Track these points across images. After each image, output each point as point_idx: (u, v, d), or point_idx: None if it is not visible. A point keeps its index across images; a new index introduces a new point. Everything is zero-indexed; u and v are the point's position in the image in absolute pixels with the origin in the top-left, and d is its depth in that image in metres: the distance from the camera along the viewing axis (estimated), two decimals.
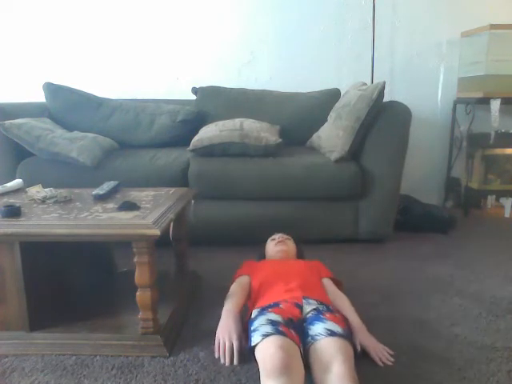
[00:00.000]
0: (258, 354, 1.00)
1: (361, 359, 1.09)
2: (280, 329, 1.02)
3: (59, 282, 1.37)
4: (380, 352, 1.13)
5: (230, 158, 2.03)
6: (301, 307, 1.14)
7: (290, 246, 1.55)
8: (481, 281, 1.66)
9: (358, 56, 2.69)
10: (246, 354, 1.10)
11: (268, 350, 0.96)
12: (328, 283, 1.36)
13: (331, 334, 1.02)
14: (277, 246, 1.52)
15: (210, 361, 1.15)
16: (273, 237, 1.60)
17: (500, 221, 2.54)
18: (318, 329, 1.05)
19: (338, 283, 1.39)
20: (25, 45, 2.72)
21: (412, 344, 1.22)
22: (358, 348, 1.12)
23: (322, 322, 1.07)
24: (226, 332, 1.14)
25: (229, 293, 1.31)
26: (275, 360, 0.92)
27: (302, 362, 0.98)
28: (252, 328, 1.07)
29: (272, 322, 1.05)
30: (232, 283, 1.37)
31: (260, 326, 1.05)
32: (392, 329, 1.29)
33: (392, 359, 1.12)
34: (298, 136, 2.33)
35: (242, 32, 2.70)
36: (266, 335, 1.00)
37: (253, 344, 1.02)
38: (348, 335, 1.05)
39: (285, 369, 0.91)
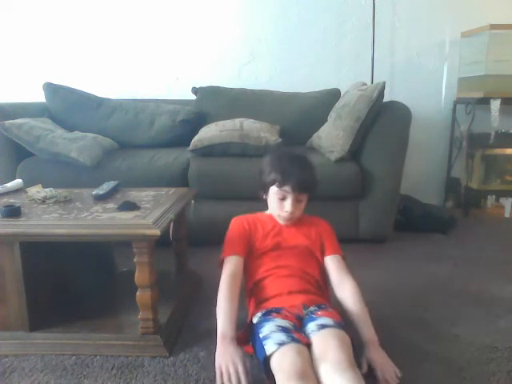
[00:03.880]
0: (275, 363, 0.96)
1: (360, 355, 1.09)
2: (294, 336, 1.00)
3: (59, 282, 1.37)
4: (387, 371, 1.03)
5: (229, 158, 2.03)
6: (301, 318, 1.10)
7: (300, 210, 1.27)
8: (481, 281, 1.66)
9: (357, 56, 2.69)
10: (253, 363, 1.06)
11: (287, 357, 0.94)
12: (333, 264, 1.23)
13: (323, 327, 1.02)
14: (284, 219, 1.27)
15: (209, 361, 1.14)
16: (283, 195, 1.23)
17: (500, 221, 2.54)
18: (310, 327, 1.04)
19: (342, 257, 1.28)
20: (25, 45, 2.72)
21: (412, 344, 1.22)
22: (364, 369, 1.03)
23: (314, 320, 1.06)
24: (227, 358, 1.01)
25: (220, 299, 1.13)
26: (297, 365, 0.91)
27: (312, 368, 0.95)
28: (261, 336, 1.03)
29: (283, 329, 1.02)
30: (221, 265, 1.22)
31: (271, 333, 1.01)
32: (392, 329, 1.29)
33: (398, 381, 1.02)
34: (298, 136, 2.33)
35: (242, 32, 2.70)
36: (281, 344, 0.97)
37: (268, 353, 0.97)
38: (341, 326, 1.04)
39: (305, 374, 0.91)
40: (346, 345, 0.97)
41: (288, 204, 1.22)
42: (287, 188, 1.21)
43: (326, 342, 0.97)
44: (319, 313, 1.09)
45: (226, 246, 1.26)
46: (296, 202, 1.23)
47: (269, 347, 0.98)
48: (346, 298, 1.17)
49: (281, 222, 1.28)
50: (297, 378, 0.89)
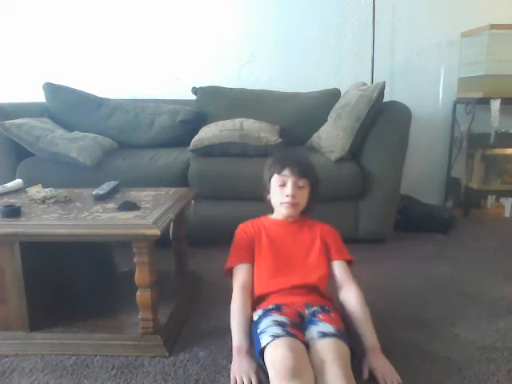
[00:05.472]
0: (268, 356, 0.98)
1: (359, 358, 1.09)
2: (289, 330, 1.02)
3: (59, 282, 1.37)
4: (389, 378, 1.02)
5: (229, 157, 2.03)
6: (303, 316, 1.12)
7: (302, 198, 1.26)
8: (481, 281, 1.66)
9: (357, 56, 2.69)
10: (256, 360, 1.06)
11: (279, 352, 0.95)
12: (338, 269, 1.24)
13: (323, 335, 1.02)
14: (287, 208, 1.25)
15: (210, 361, 1.15)
16: (283, 181, 1.24)
17: (500, 221, 2.54)
18: (311, 333, 1.05)
19: (349, 262, 1.27)
20: (25, 45, 2.72)
21: (412, 344, 1.22)
22: (365, 375, 1.04)
23: (315, 324, 1.07)
24: (242, 370, 1.04)
25: (233, 311, 1.15)
26: (287, 363, 0.91)
27: (310, 363, 0.97)
28: (259, 330, 1.06)
29: (279, 324, 1.04)
30: (228, 273, 1.26)
31: (267, 327, 1.04)
32: (392, 329, 1.30)
33: None
34: (298, 136, 2.33)
35: (242, 32, 2.70)
36: (275, 336, 0.99)
37: (262, 345, 1.00)
38: (342, 334, 1.04)
39: (297, 371, 0.91)
40: (344, 358, 0.97)
41: (288, 188, 1.23)
42: (286, 172, 1.23)
43: (325, 356, 0.97)
44: (321, 316, 1.09)
45: (232, 253, 1.27)
46: (297, 187, 1.23)
47: (264, 340, 1.01)
48: (349, 302, 1.17)
49: (284, 212, 1.27)
50: (288, 377, 0.90)
